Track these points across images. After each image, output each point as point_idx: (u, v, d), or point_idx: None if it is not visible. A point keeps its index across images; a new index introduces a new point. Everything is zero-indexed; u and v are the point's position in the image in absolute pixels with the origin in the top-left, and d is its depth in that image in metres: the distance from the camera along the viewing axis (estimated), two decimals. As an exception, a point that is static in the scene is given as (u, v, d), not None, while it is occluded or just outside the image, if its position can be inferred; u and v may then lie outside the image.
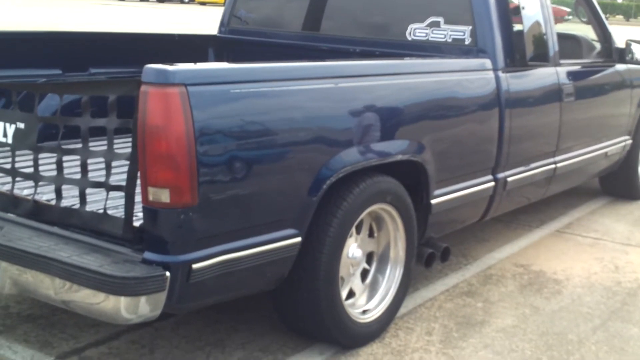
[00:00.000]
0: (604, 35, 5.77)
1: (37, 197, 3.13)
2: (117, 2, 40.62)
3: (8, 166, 3.18)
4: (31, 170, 3.12)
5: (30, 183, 3.16)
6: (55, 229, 2.99)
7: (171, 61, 2.75)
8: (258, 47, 5.29)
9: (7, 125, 3.15)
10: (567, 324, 3.98)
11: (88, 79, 4.44)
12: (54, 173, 3.05)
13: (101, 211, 2.91)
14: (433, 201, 3.85)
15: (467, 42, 4.36)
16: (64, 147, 3.04)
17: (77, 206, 2.98)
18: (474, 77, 4.16)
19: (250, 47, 5.34)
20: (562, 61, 4.93)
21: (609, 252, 5.17)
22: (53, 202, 3.06)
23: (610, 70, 5.71)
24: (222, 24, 5.53)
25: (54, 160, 3.06)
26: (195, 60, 3.08)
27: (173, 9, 36.70)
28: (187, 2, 46.61)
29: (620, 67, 5.81)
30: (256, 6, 5.49)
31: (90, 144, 2.97)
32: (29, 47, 4.37)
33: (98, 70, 4.58)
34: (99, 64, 4.63)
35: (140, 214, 2.76)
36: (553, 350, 3.67)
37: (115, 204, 3.04)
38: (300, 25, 5.19)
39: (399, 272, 3.74)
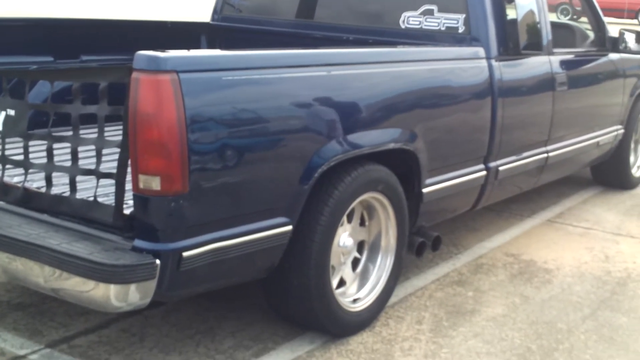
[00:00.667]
0: (598, 24, 5.76)
1: (27, 185, 3.11)
2: (109, -12, 40.40)
3: (-2, 153, 3.16)
4: (21, 157, 3.10)
5: (21, 170, 3.14)
6: (45, 217, 2.98)
7: (164, 48, 2.74)
8: (251, 34, 5.27)
9: (-2, 112, 3.13)
10: (556, 313, 3.99)
11: (79, 66, 4.41)
12: (45, 160, 3.03)
13: (91, 199, 2.89)
14: (424, 190, 3.85)
15: (460, 31, 4.35)
16: (54, 134, 3.02)
17: (68, 194, 2.97)
18: (467, 65, 4.15)
19: (243, 34, 5.32)
20: (555, 50, 4.92)
21: (599, 242, 5.18)
22: (43, 190, 3.05)
23: (603, 59, 5.71)
24: (215, 12, 5.50)
25: (44, 147, 3.04)
26: (187, 48, 3.07)
27: (166, -5, 36.50)
28: (180, -11, 46.43)
29: (613, 56, 5.81)
30: (249, -7, 5.47)
31: (82, 131, 2.96)
32: (20, 34, 4.33)
33: (90, 57, 4.55)
34: (90, 51, 4.59)
35: (131, 202, 2.75)
36: (542, 339, 3.68)
37: (105, 192, 3.03)
38: (294, 13, 5.17)
39: (389, 261, 3.74)
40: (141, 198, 2.69)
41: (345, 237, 3.52)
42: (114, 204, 2.79)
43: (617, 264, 4.77)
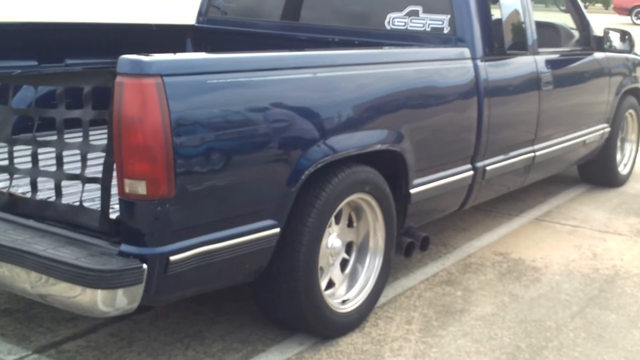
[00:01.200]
0: (582, 24, 5.78)
1: (12, 190, 3.09)
2: (95, -8, 40.26)
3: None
4: (6, 162, 3.08)
5: (6, 176, 3.12)
6: (31, 222, 2.97)
7: (149, 52, 2.73)
8: (236, 36, 5.26)
9: (-19, 118, 3.11)
10: (545, 311, 4.00)
11: (63, 70, 4.40)
12: (30, 165, 3.01)
13: (77, 204, 2.88)
14: (412, 190, 3.85)
15: (445, 31, 4.36)
16: (39, 139, 3.00)
17: (53, 199, 2.95)
18: (453, 66, 4.16)
19: (228, 36, 5.31)
20: (540, 50, 4.94)
21: (587, 240, 5.20)
22: (29, 195, 3.03)
23: (588, 58, 5.73)
24: (200, 14, 5.49)
25: (29, 152, 3.02)
26: (173, 51, 3.06)
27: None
28: (167, -8, 46.27)
29: (598, 55, 5.83)
30: (234, -5, 5.45)
31: (67, 135, 2.94)
32: (3, 38, 4.31)
33: (74, 61, 4.53)
34: (75, 54, 4.57)
35: (117, 206, 2.74)
36: (532, 337, 3.69)
37: (91, 197, 3.01)
38: (279, 15, 5.17)
39: (378, 262, 3.74)
40: (127, 202, 2.68)
41: (333, 239, 3.52)
42: (100, 209, 2.78)
43: (605, 262, 4.78)
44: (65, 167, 2.95)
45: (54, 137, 2.93)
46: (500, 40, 4.44)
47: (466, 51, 4.23)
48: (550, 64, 5.03)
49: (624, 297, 4.23)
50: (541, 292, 4.24)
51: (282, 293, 3.32)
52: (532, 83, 4.80)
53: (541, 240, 5.13)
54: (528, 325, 3.83)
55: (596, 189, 6.51)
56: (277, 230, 3.13)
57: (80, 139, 2.85)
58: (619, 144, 6.50)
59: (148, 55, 2.66)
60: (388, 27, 4.59)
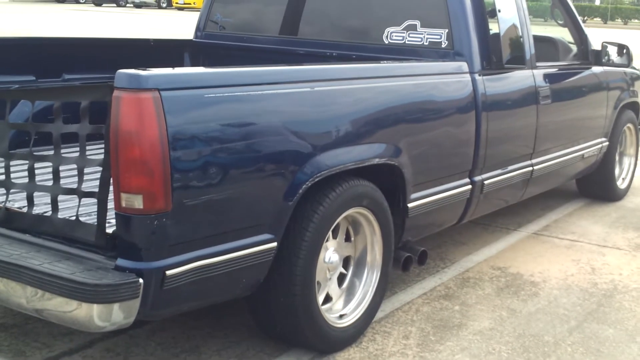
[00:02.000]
0: (580, 38, 5.80)
1: (8, 205, 3.09)
2: (93, 8, 40.45)
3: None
4: (2, 177, 3.08)
5: (2, 190, 3.12)
6: (27, 237, 2.96)
7: (147, 66, 2.73)
8: (235, 51, 5.27)
9: (-22, 132, 3.11)
10: (543, 325, 3.98)
11: (60, 85, 4.40)
12: (26, 180, 3.01)
13: (74, 218, 2.87)
14: (410, 205, 3.85)
15: (443, 45, 4.37)
16: (35, 153, 3.00)
17: (50, 213, 2.94)
18: (451, 80, 4.17)
19: (226, 51, 5.32)
20: (538, 64, 4.95)
21: (585, 254, 5.19)
22: (25, 210, 3.03)
23: (586, 72, 5.74)
24: (198, 29, 5.50)
25: (25, 167, 3.02)
26: (171, 66, 3.07)
27: (150, 14, 36.56)
28: (165, 7, 46.43)
29: (596, 69, 5.84)
30: (233, 10, 5.47)
31: (64, 150, 2.94)
32: (1, 54, 4.32)
33: (72, 76, 4.54)
34: (73, 69, 4.58)
35: (114, 221, 2.73)
36: (530, 352, 3.67)
37: (87, 211, 3.01)
38: (278, 30, 5.18)
39: (376, 276, 3.73)
40: (124, 217, 2.68)
41: (330, 253, 3.51)
42: (96, 223, 2.78)
43: (603, 276, 4.77)
44: (62, 181, 2.94)
45: (51, 152, 2.93)
46: (498, 54, 4.45)
47: (464, 65, 4.24)
48: (548, 78, 5.03)
49: (622, 312, 4.22)
50: (539, 307, 4.23)
51: (279, 307, 3.31)
52: (530, 97, 4.81)
53: (539, 255, 5.12)
54: (526, 339, 3.81)
55: (595, 203, 6.51)
56: (275, 244, 3.12)
57: (77, 153, 2.85)
58: (617, 158, 6.50)
59: (145, 70, 2.66)
60: (386, 42, 4.60)
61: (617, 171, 6.55)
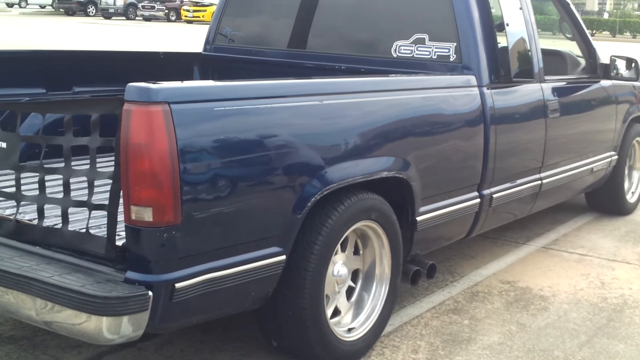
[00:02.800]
0: (589, 51, 5.80)
1: (19, 217, 3.10)
2: (103, 21, 40.66)
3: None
4: (13, 190, 3.09)
5: (13, 203, 3.13)
6: (38, 249, 2.97)
7: (156, 79, 2.74)
8: (243, 64, 5.29)
9: (-11, 145, 3.12)
10: (553, 340, 3.97)
11: (71, 98, 4.42)
12: (37, 192, 3.02)
13: (84, 230, 2.88)
14: (418, 218, 3.84)
15: (452, 59, 4.37)
16: (46, 166, 3.01)
17: (60, 226, 2.95)
18: (459, 93, 4.17)
19: (235, 64, 5.34)
20: (546, 77, 4.95)
21: (595, 268, 5.17)
22: (35, 222, 3.04)
23: (595, 86, 5.73)
24: (207, 42, 5.53)
25: (36, 179, 3.03)
26: (180, 79, 3.08)
27: (159, 27, 36.73)
28: (174, 20, 46.64)
29: (605, 82, 5.84)
30: (241, 24, 5.50)
31: (75, 162, 2.95)
32: (12, 66, 4.35)
33: (82, 88, 4.57)
34: (83, 82, 4.61)
35: (123, 233, 2.74)
36: (540, 367, 3.66)
37: (97, 223, 3.01)
38: (286, 43, 5.20)
39: (384, 290, 3.72)
40: (133, 229, 2.68)
41: (339, 266, 3.51)
42: (106, 236, 2.78)
43: (613, 291, 4.75)
44: (72, 194, 2.96)
45: (61, 164, 2.94)
46: (506, 67, 4.45)
47: (472, 79, 4.24)
48: (556, 91, 5.03)
49: (632, 327, 4.20)
50: (549, 321, 4.21)
51: (287, 321, 3.31)
52: (538, 111, 4.81)
53: (549, 269, 5.10)
54: (536, 354, 3.79)
55: (604, 217, 6.49)
56: (283, 257, 3.12)
57: (87, 166, 2.86)
58: (626, 171, 6.48)
59: (155, 83, 2.67)
60: (394, 55, 4.61)
61: (626, 185, 6.53)
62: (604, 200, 6.48)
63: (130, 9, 46.62)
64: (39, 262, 2.85)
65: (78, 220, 3.06)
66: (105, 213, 2.79)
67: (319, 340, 3.36)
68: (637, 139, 6.52)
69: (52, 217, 3.10)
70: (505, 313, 4.30)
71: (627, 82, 6.17)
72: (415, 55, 4.53)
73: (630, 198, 6.64)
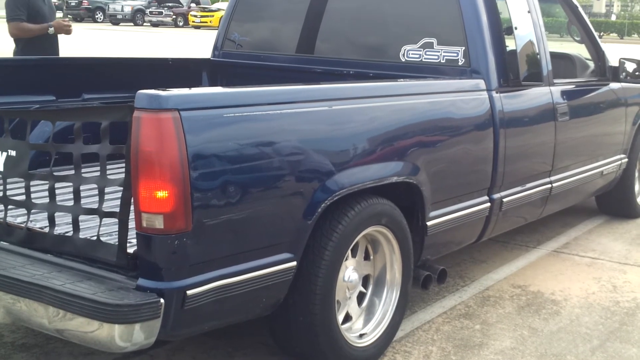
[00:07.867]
0: (597, 54, 5.78)
1: (30, 225, 3.11)
2: (110, 27, 40.75)
3: (0, 194, 3.16)
4: (23, 198, 3.10)
5: (24, 211, 3.14)
6: (49, 257, 2.97)
7: (166, 86, 2.75)
8: (252, 70, 5.29)
9: (-1, 152, 3.13)
10: (565, 344, 3.95)
11: (80, 105, 4.43)
12: (47, 200, 3.02)
13: (95, 238, 2.88)
14: (429, 223, 3.83)
15: (460, 63, 4.36)
16: (56, 174, 3.02)
17: (71, 233, 2.96)
18: (468, 97, 4.16)
19: (244, 70, 5.34)
20: (556, 80, 4.93)
21: (606, 272, 5.14)
22: (46, 230, 3.04)
23: (604, 89, 5.71)
24: (215, 48, 5.53)
25: (46, 187, 3.04)
26: (189, 85, 3.08)
27: (167, 33, 36.79)
28: (182, 26, 46.73)
29: (614, 85, 5.81)
30: (249, 29, 5.50)
31: (84, 170, 2.96)
32: (22, 74, 4.36)
33: (92, 95, 4.58)
34: (92, 89, 4.62)
35: (134, 241, 2.74)
36: (552, 372, 3.64)
37: (108, 231, 3.02)
38: (294, 48, 5.20)
39: (395, 295, 3.72)
40: (144, 236, 2.68)
41: (350, 272, 3.50)
42: (117, 243, 2.78)
43: (625, 294, 4.73)
44: (83, 201, 2.96)
45: (72, 172, 2.95)
46: (515, 71, 4.44)
47: (481, 83, 4.23)
48: (566, 94, 5.02)
49: (645, 330, 4.18)
50: (561, 326, 4.19)
51: (298, 327, 3.30)
52: (548, 114, 4.79)
53: (560, 273, 5.08)
54: (548, 359, 3.78)
55: (615, 220, 6.46)
56: (294, 263, 3.11)
57: (97, 173, 2.87)
58: (637, 174, 6.45)
59: (165, 90, 2.68)
60: (403, 60, 4.61)
61: (637, 188, 6.50)
62: (614, 203, 6.45)
63: (138, 15, 46.71)
64: (50, 270, 2.85)
65: (89, 227, 3.06)
66: (116, 220, 2.79)
67: (330, 346, 3.35)
68: (648, 141, 6.49)
69: (63, 225, 3.11)
70: (517, 317, 4.28)
71: (637, 84, 6.14)
72: (423, 60, 4.53)
73: (641, 201, 6.61)
